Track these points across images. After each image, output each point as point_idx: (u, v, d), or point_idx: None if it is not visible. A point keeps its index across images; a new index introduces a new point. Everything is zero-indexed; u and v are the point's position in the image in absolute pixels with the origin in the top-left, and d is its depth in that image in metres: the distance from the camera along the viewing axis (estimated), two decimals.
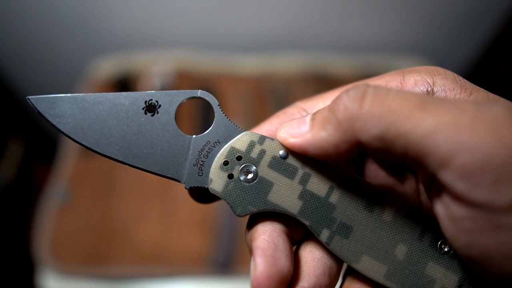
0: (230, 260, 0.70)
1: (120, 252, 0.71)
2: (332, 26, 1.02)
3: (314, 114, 0.21)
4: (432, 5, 0.98)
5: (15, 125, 1.20)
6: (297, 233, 0.23)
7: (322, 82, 0.96)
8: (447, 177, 0.16)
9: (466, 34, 1.06)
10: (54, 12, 0.97)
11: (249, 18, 0.99)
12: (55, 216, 0.74)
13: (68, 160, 0.82)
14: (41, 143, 1.30)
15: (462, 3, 0.97)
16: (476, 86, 0.21)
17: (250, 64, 1.00)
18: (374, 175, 0.25)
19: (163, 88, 0.93)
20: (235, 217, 0.74)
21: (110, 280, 0.70)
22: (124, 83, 0.95)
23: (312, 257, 0.22)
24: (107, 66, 0.99)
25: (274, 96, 0.94)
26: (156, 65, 0.97)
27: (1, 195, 1.07)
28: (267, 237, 0.21)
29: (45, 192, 0.79)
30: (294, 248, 0.24)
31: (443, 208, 0.18)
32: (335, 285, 0.23)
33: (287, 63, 1.01)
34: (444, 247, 0.21)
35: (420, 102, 0.17)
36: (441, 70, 0.22)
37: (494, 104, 0.17)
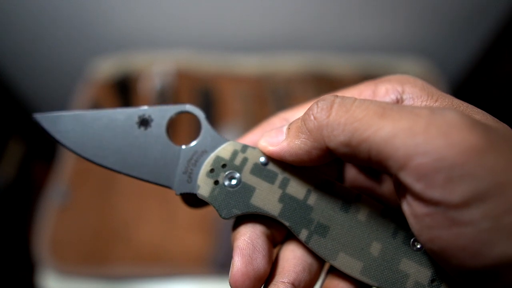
0: (230, 260, 0.70)
1: (120, 252, 0.71)
2: (332, 26, 1.02)
3: (290, 124, 0.23)
4: (432, 5, 0.98)
5: (15, 125, 1.20)
6: (279, 235, 0.25)
7: (322, 82, 0.96)
8: (406, 178, 0.18)
9: (466, 34, 1.06)
10: (54, 12, 0.97)
11: (249, 18, 0.99)
12: (55, 216, 0.74)
13: (68, 160, 0.82)
14: (41, 143, 1.30)
15: (462, 3, 0.97)
16: (442, 93, 0.22)
17: (250, 64, 1.00)
18: (353, 179, 0.27)
19: (163, 88, 0.93)
20: None
21: (110, 280, 0.70)
22: (124, 83, 0.95)
23: (293, 256, 0.24)
24: (107, 66, 0.99)
25: (274, 96, 0.94)
26: (156, 65, 0.97)
27: (1, 195, 1.07)
28: (247, 238, 0.23)
29: (45, 192, 0.79)
30: (277, 248, 0.25)
31: (407, 207, 0.19)
32: (315, 282, 0.24)
33: (287, 63, 1.01)
34: (417, 244, 0.22)
35: (380, 110, 0.18)
36: (411, 79, 0.23)
37: (448, 109, 0.18)
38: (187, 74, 0.97)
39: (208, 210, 0.75)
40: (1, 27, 1.01)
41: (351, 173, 0.27)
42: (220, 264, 0.70)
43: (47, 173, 0.91)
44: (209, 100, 0.93)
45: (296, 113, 0.26)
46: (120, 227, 0.74)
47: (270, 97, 0.94)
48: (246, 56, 1.01)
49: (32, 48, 1.07)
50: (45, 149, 1.27)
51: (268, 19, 1.00)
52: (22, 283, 0.98)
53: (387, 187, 0.26)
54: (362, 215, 0.23)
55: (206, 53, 1.01)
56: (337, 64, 1.01)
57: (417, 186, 0.17)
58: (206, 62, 1.00)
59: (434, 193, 0.17)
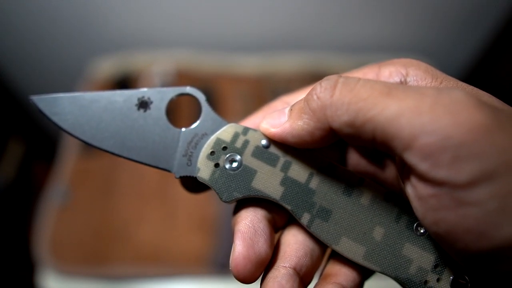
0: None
1: (120, 252, 0.71)
2: (332, 26, 1.02)
3: (292, 105, 0.22)
4: (432, 5, 0.98)
5: (15, 125, 1.20)
6: (281, 219, 0.24)
7: None
8: (411, 158, 0.17)
9: (466, 34, 1.06)
10: (54, 12, 0.97)
11: (249, 18, 0.99)
12: (55, 216, 0.74)
13: (68, 160, 0.82)
14: (41, 143, 1.30)
15: (462, 3, 0.97)
16: (447, 75, 0.22)
17: (250, 64, 1.00)
18: (356, 164, 0.26)
19: None
20: None
21: (110, 280, 0.70)
22: (124, 83, 0.95)
23: (295, 240, 0.23)
24: (107, 66, 0.99)
25: (274, 96, 0.94)
26: (156, 65, 0.97)
27: (1, 195, 1.07)
28: (248, 222, 0.22)
29: (45, 192, 0.79)
30: (279, 233, 0.25)
31: (411, 189, 0.19)
32: (317, 267, 0.24)
33: (287, 63, 1.01)
34: (420, 229, 0.22)
35: (385, 89, 0.18)
36: (414, 61, 0.23)
37: (454, 89, 0.18)
38: (187, 74, 0.97)
39: (208, 210, 0.75)
40: (1, 27, 1.01)
41: (354, 158, 0.26)
42: (220, 264, 0.70)
43: (47, 173, 0.91)
44: (209, 100, 0.93)
45: (297, 96, 0.26)
46: (120, 227, 0.74)
47: (270, 97, 0.94)
48: (246, 56, 1.01)
49: (32, 48, 1.07)
50: (45, 149, 1.27)
51: (268, 19, 1.00)
52: (22, 283, 0.98)
53: (389, 172, 0.26)
54: (365, 199, 0.23)
55: (206, 53, 1.00)
56: (337, 64, 1.01)
57: (422, 166, 0.17)
58: (206, 62, 1.00)
59: (440, 173, 0.16)
